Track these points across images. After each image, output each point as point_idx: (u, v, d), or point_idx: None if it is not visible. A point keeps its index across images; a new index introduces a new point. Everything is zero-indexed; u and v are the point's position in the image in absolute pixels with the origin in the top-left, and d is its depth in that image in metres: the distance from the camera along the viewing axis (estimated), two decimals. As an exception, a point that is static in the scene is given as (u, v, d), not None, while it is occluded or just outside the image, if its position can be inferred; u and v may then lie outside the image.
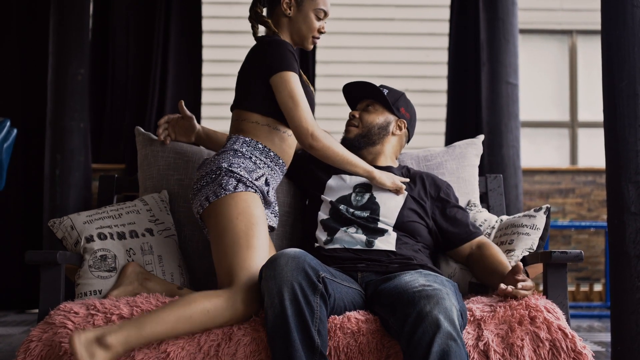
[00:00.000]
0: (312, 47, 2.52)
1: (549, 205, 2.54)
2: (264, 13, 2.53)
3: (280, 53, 2.36)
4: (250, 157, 2.37)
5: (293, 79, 2.34)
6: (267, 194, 2.38)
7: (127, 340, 1.96)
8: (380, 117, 2.59)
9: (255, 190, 2.31)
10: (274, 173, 2.45)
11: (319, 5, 2.46)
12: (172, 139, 2.71)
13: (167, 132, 2.70)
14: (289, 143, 2.47)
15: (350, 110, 2.67)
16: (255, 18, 2.52)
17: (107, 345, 1.93)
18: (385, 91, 2.60)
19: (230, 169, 2.29)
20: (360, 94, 2.65)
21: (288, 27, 2.48)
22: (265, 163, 2.40)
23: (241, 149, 2.37)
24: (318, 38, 2.51)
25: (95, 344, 1.92)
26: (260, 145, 2.40)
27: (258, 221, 2.24)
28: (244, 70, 2.46)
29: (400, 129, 2.62)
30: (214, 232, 2.26)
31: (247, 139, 2.40)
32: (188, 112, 2.68)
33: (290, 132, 2.44)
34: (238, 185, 2.27)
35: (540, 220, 2.50)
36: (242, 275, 2.12)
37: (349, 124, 2.61)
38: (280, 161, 2.45)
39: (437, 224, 2.50)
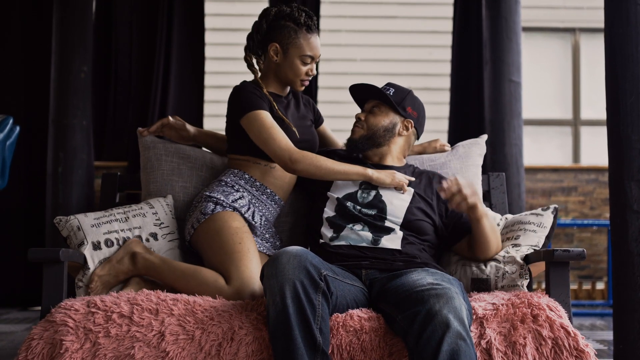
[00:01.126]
0: (302, 88, 2.60)
1: (556, 205, 2.53)
2: (254, 59, 2.62)
3: (243, 97, 2.47)
4: (233, 186, 2.50)
5: (259, 117, 2.44)
6: (252, 219, 2.47)
7: (148, 268, 2.35)
8: (385, 119, 2.57)
9: (233, 209, 2.44)
10: (261, 202, 2.53)
11: (305, 51, 2.53)
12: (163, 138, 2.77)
13: (154, 134, 2.76)
14: (274, 175, 2.55)
15: (358, 110, 2.67)
16: (246, 63, 2.62)
17: (135, 262, 2.36)
18: (391, 91, 2.58)
19: (209, 194, 2.46)
20: (366, 95, 2.64)
21: (275, 71, 2.58)
22: (248, 191, 2.51)
23: (226, 179, 2.52)
24: (308, 80, 2.58)
25: (130, 254, 2.36)
26: (246, 176, 2.53)
27: (237, 231, 2.37)
28: (226, 116, 2.58)
29: (407, 129, 2.60)
30: (202, 253, 2.44)
31: (235, 170, 2.55)
32: (180, 122, 2.75)
33: (272, 164, 2.54)
34: (215, 208, 2.42)
35: (548, 219, 2.49)
36: (232, 280, 2.28)
37: (354, 125, 2.62)
38: (268, 191, 2.55)
39: (442, 219, 2.50)
